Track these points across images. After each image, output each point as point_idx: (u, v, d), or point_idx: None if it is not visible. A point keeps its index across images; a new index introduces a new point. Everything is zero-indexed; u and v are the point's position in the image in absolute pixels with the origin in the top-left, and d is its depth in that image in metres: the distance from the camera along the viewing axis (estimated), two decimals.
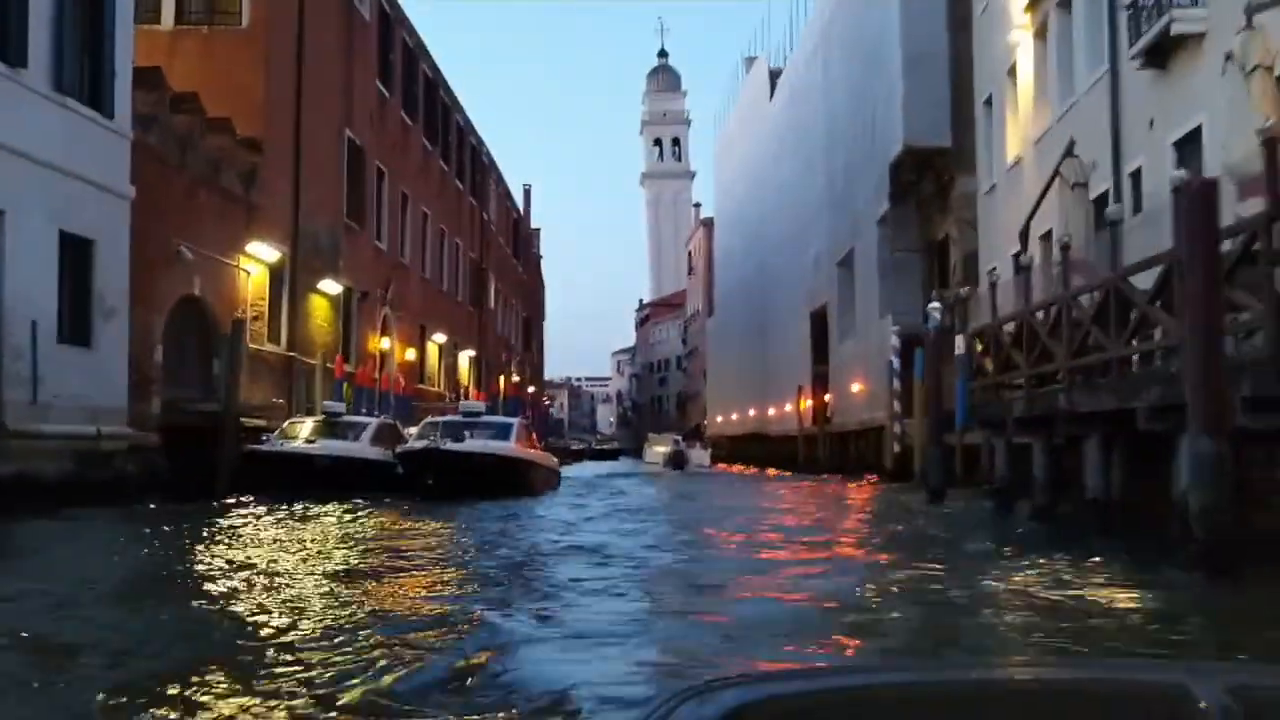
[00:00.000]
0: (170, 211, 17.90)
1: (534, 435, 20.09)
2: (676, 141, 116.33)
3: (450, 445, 16.98)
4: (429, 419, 19.30)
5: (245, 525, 13.51)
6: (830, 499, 19.49)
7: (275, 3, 22.63)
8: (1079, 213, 12.29)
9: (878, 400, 27.03)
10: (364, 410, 24.74)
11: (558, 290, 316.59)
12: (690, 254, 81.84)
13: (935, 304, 20.61)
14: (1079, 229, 12.39)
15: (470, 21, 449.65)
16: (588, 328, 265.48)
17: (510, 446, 17.99)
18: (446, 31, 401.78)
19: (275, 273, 22.66)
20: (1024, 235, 14.71)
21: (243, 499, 16.94)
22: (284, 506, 16.06)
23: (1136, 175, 13.52)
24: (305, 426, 19.11)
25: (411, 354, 32.92)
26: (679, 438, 51.59)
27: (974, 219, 23.55)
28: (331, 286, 25.71)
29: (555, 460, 21.69)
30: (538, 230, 73.37)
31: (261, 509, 16.05)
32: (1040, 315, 11.57)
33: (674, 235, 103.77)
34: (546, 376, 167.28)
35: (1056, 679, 1.32)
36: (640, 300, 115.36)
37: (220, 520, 13.84)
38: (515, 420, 18.83)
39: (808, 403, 37.33)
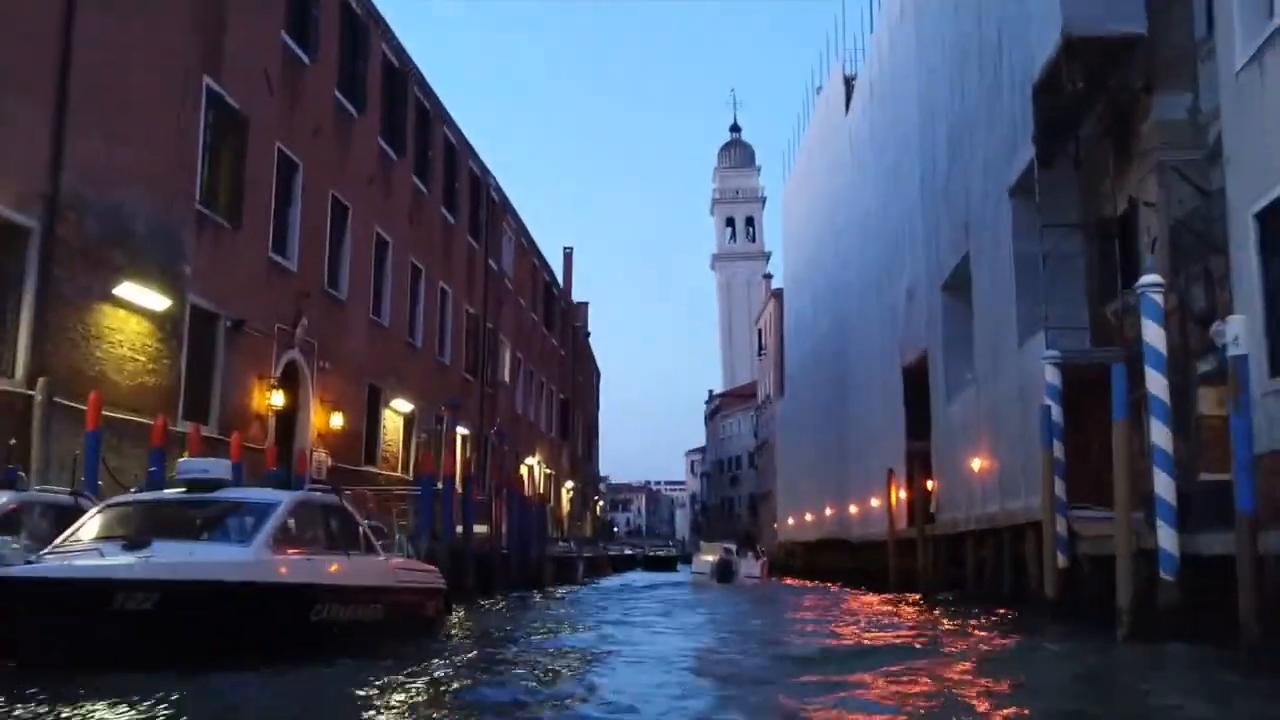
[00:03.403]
0: None
1: (361, 530, 9.86)
2: (750, 221, 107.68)
3: (51, 566, 7.21)
4: (113, 500, 9.44)
5: None
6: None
7: None
8: None
9: (1016, 481, 16.72)
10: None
11: (636, 389, 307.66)
12: (760, 332, 72.06)
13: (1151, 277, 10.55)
14: None
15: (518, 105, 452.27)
16: (670, 428, 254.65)
17: (244, 558, 8.13)
18: (494, 123, 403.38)
19: None
20: None
21: None
22: None
23: None
24: None
25: (339, 420, 23.48)
26: (730, 546, 42.44)
27: (1187, 163, 13.54)
28: (150, 299, 16.54)
29: (431, 578, 11.40)
30: (584, 304, 64.60)
31: None
32: None
33: (747, 320, 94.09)
34: (623, 479, 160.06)
35: None
36: (709, 392, 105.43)
37: None
38: (284, 500, 8.87)
39: (901, 494, 26.90)
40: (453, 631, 11.39)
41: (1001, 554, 18.06)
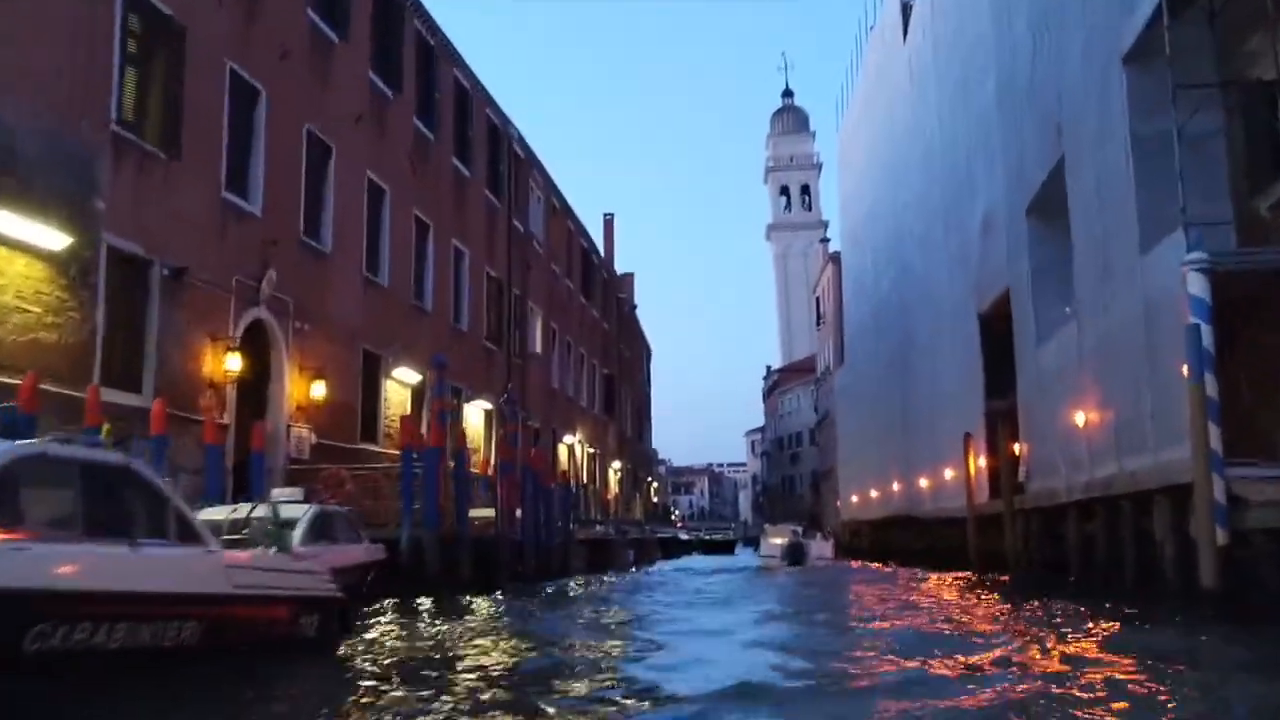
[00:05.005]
0: None
1: (173, 510, 6.21)
2: (806, 189, 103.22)
3: None
4: None
5: None
6: None
7: None
8: None
9: (1140, 433, 12.93)
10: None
11: (700, 370, 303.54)
12: (818, 301, 67.98)
13: None
14: None
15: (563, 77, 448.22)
16: (732, 409, 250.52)
17: None
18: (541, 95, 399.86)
19: None
20: None
21: None
22: None
23: None
24: None
25: (321, 390, 20.27)
26: (797, 528, 40.72)
27: None
28: (41, 234, 13.40)
29: (308, 583, 7.64)
30: (629, 275, 61.04)
31: None
32: None
33: (805, 292, 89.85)
34: (685, 462, 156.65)
35: None
36: (767, 368, 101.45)
37: None
38: None
39: (980, 461, 23.08)
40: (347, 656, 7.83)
41: (1117, 529, 14.27)
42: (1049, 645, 8.83)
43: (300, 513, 13.15)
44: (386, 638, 9.60)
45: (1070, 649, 8.60)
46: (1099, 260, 14.56)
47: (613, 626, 11.70)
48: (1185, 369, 10.45)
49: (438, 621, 11.96)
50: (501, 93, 30.63)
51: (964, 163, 24.01)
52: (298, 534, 12.73)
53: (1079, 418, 15.63)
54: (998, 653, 8.25)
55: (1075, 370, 15.97)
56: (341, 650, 7.88)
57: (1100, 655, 8.06)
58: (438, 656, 8.24)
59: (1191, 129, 11.98)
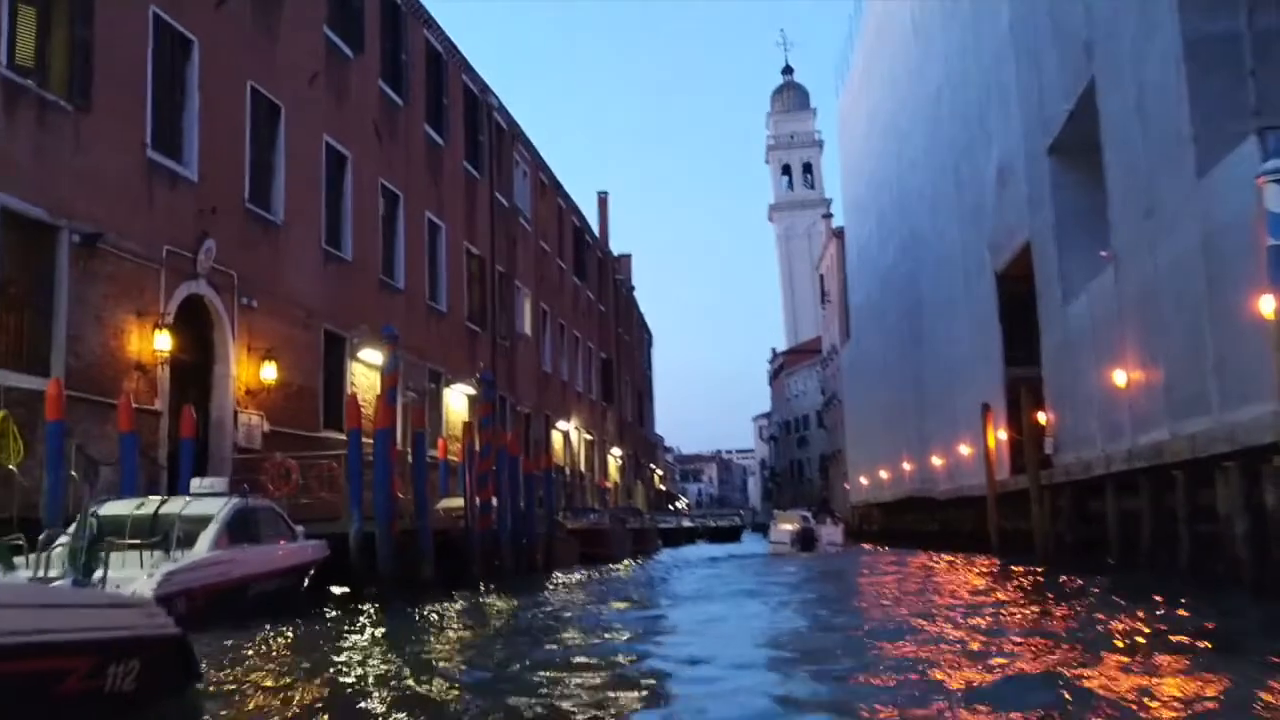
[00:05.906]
0: None
1: None
2: (808, 167, 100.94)
3: None
4: None
5: None
6: None
7: None
8: None
9: (1200, 389, 10.98)
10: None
11: (708, 357, 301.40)
12: (822, 279, 65.96)
13: None
14: None
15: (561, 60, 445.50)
16: (742, 395, 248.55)
17: None
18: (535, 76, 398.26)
19: None
20: None
21: None
22: None
23: None
24: None
25: (272, 373, 18.36)
26: (807, 513, 39.54)
27: None
28: None
29: (128, 619, 5.29)
30: (626, 257, 59.07)
31: None
32: None
33: (809, 271, 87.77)
34: (695, 449, 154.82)
35: None
36: (773, 350, 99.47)
37: None
38: None
39: (1000, 434, 21.13)
40: None
41: (1167, 503, 12.32)
42: (1146, 637, 7.03)
43: (215, 508, 11.27)
44: (262, 665, 7.70)
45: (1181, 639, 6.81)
46: (1141, 193, 12.57)
47: (556, 645, 9.70)
48: (1266, 304, 8.51)
49: (354, 637, 10.06)
50: (499, 77, 28.88)
51: (975, 109, 22.01)
52: (210, 533, 10.90)
53: (1118, 378, 13.67)
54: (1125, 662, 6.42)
55: (1113, 325, 13.99)
56: (187, 695, 5.95)
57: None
58: (301, 697, 6.33)
59: (1269, 25, 10.00)
